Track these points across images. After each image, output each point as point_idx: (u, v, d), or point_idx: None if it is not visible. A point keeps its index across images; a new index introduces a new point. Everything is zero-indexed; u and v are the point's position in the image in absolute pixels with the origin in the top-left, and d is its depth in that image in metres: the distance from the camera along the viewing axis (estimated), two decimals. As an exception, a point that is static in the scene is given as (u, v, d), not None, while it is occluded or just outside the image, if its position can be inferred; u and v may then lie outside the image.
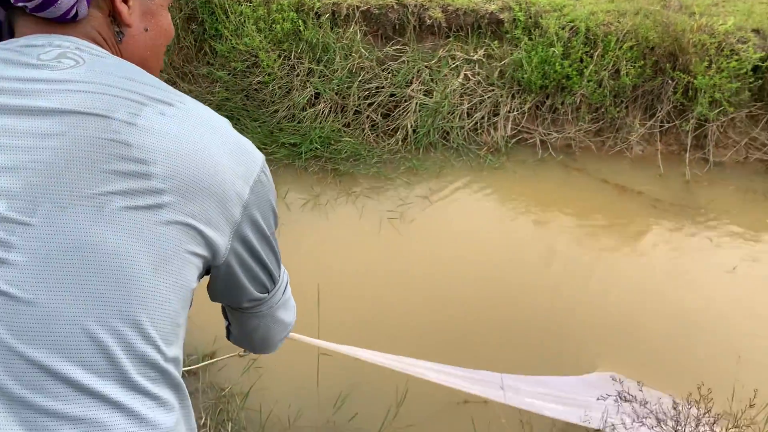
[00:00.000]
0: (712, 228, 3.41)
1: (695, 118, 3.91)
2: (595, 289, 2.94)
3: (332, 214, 3.61)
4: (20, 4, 0.74)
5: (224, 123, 0.80)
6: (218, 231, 0.75)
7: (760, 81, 3.86)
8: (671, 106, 3.98)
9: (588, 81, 3.98)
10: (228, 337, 1.11)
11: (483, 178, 3.84)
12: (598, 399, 1.95)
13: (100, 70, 0.73)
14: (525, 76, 4.08)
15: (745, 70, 3.80)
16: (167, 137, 0.70)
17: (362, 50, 4.29)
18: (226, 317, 1.08)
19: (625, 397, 1.92)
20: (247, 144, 0.82)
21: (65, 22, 0.77)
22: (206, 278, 0.86)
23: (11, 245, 0.63)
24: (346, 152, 4.01)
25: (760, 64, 3.81)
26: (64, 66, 0.72)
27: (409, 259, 3.18)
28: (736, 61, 3.81)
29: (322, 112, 4.26)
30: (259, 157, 0.82)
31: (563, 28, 4.09)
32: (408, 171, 3.92)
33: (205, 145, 0.73)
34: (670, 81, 3.94)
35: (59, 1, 0.74)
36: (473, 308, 2.81)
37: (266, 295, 0.95)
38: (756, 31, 3.95)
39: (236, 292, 0.90)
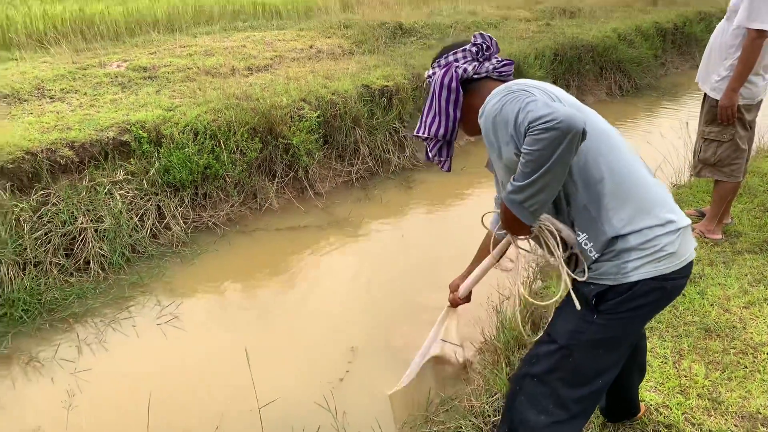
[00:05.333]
0: (359, 226, 5.11)
1: (302, 167, 5.50)
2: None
3: (100, 352, 3.78)
4: None
5: None
6: None
7: (323, 130, 5.72)
8: (284, 164, 5.47)
9: (225, 164, 5.09)
10: None
11: (201, 268, 4.57)
12: None
13: None
14: (176, 177, 4.90)
15: (312, 125, 5.56)
16: None
17: (13, 206, 4.30)
18: None
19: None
20: None
21: None
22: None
23: None
24: (73, 296, 4.11)
25: (318, 120, 5.63)
26: None
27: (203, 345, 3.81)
28: (306, 121, 5.54)
29: (5, 277, 4.14)
30: None
31: (183, 133, 5.04)
32: (135, 286, 4.31)
33: None
34: (277, 147, 5.40)
35: None
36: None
37: None
38: (303, 100, 5.74)
39: None
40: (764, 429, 2.11)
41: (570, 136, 1.44)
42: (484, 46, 1.89)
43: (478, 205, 5.63)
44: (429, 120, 1.92)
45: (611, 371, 1.73)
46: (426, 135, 1.95)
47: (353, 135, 6.02)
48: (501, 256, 2.26)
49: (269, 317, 4.02)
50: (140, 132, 4.92)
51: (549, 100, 1.61)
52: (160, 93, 5.76)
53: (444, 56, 1.93)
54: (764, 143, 5.68)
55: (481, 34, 1.91)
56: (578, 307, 1.69)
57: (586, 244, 1.66)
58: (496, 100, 1.66)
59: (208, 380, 3.37)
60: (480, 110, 1.72)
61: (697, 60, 11.49)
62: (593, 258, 1.66)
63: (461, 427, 2.61)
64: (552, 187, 1.56)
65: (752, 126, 3.66)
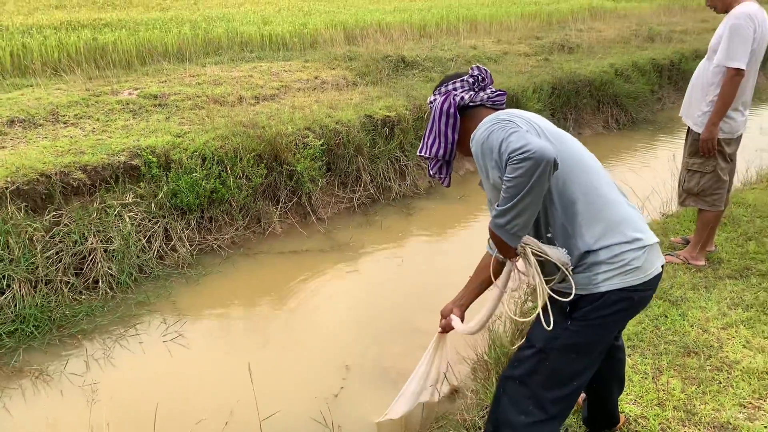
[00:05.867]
0: (359, 250, 5.28)
1: (305, 193, 5.70)
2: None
3: (107, 367, 3.93)
4: None
5: None
6: None
7: (327, 158, 5.92)
8: (288, 190, 5.67)
9: (231, 189, 5.28)
10: None
11: (205, 289, 4.73)
12: None
13: None
14: (183, 200, 5.08)
15: (316, 153, 5.76)
16: None
17: (27, 225, 4.48)
18: None
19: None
20: None
21: None
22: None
23: None
24: (82, 313, 4.27)
25: (322, 148, 5.84)
26: None
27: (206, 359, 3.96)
28: (310, 149, 5.74)
29: (18, 294, 4.30)
30: None
31: (192, 158, 5.24)
32: (142, 305, 4.47)
33: None
34: (282, 173, 5.60)
35: None
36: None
37: None
38: (308, 128, 5.96)
39: None
40: (732, 438, 2.26)
41: (543, 165, 1.64)
42: (480, 77, 2.10)
43: (475, 232, 5.80)
44: (430, 142, 2.12)
45: (584, 375, 1.89)
46: (427, 155, 2.14)
47: (356, 163, 6.22)
48: (506, 285, 2.40)
49: (270, 335, 4.17)
50: (150, 157, 5.11)
51: (531, 131, 1.79)
52: (169, 120, 5.98)
53: (444, 85, 2.14)
54: (750, 176, 5.87)
55: (477, 67, 2.12)
56: (549, 327, 1.85)
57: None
58: (484, 128, 1.84)
59: (211, 394, 3.51)
60: (471, 135, 1.91)
61: (693, 95, 11.77)
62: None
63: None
64: (530, 210, 1.73)
65: (733, 158, 3.85)
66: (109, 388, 3.59)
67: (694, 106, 3.80)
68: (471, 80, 2.10)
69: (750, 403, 2.46)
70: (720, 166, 3.74)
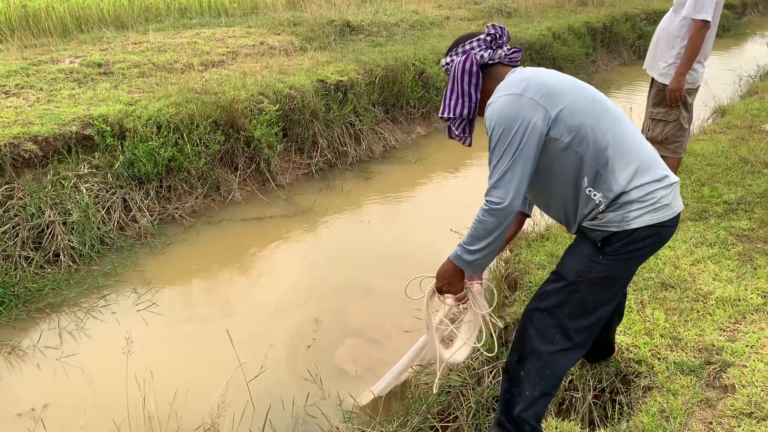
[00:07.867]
0: (323, 215, 5.31)
1: (263, 159, 5.64)
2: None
3: (82, 339, 3.86)
4: None
5: None
6: None
7: (283, 124, 5.87)
8: (246, 156, 5.60)
9: (189, 157, 5.18)
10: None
11: (172, 258, 4.65)
12: None
13: None
14: (141, 170, 4.96)
15: (272, 119, 5.71)
16: None
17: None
18: None
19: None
20: None
21: None
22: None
23: None
24: (47, 287, 4.13)
25: (278, 113, 5.78)
26: None
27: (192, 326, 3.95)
28: (266, 115, 5.68)
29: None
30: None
31: (146, 126, 5.10)
32: (108, 276, 4.36)
33: None
34: (239, 140, 5.52)
35: None
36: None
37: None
38: (262, 94, 5.88)
39: None
40: (718, 356, 2.44)
41: (509, 218, 1.93)
42: (497, 35, 2.13)
43: (431, 194, 5.92)
44: (453, 102, 2.15)
45: (608, 306, 2.01)
46: (451, 115, 2.17)
47: (312, 128, 6.19)
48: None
49: (241, 298, 4.20)
50: (103, 126, 4.94)
51: (520, 169, 1.90)
52: (117, 88, 5.78)
53: (461, 45, 2.16)
54: (693, 128, 6.19)
55: (493, 26, 2.14)
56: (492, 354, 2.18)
57: (600, 201, 1.92)
58: (498, 103, 1.94)
59: (194, 358, 3.51)
60: (489, 100, 2.00)
61: (625, 58, 12.21)
62: (601, 210, 1.93)
63: (448, 382, 2.86)
64: (496, 249, 2.02)
65: (692, 108, 4.07)
66: (88, 360, 3.52)
67: (659, 58, 3.96)
68: (488, 39, 2.12)
69: (728, 327, 2.66)
70: (682, 115, 3.94)
